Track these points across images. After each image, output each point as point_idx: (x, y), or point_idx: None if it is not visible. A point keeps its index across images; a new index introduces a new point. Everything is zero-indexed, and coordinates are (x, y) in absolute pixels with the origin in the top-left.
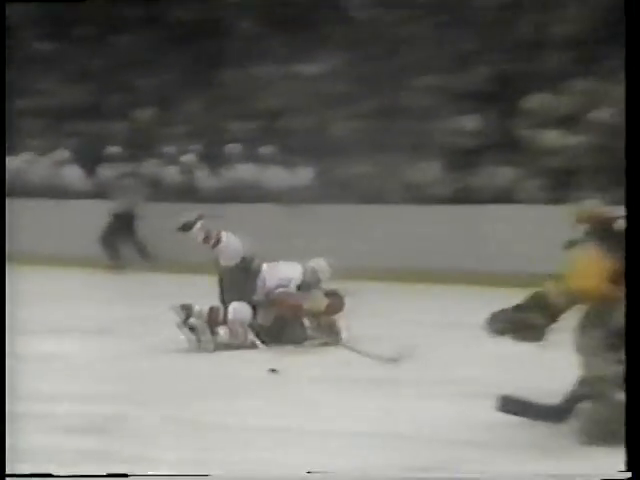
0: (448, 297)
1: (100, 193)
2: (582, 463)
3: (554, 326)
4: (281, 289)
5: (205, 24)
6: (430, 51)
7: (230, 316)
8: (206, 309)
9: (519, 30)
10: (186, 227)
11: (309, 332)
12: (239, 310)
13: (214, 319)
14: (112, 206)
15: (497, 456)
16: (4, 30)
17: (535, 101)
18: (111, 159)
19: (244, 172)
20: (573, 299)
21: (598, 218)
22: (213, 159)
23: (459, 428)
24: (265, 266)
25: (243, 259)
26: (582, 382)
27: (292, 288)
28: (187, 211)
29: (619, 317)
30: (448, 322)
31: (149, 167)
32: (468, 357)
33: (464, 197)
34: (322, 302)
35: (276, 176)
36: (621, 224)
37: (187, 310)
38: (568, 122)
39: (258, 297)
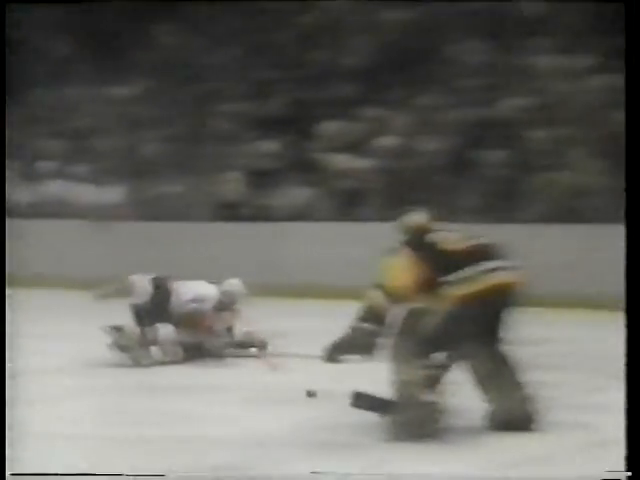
0: (265, 307)
1: None
2: (388, 460)
3: (384, 332)
4: (194, 305)
5: (15, 44)
6: (233, 79)
7: (159, 337)
8: (137, 330)
9: (314, 61)
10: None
11: (228, 346)
12: (166, 331)
13: (145, 339)
14: None
15: (304, 456)
16: (4, 30)
17: (328, 127)
18: None
19: (55, 189)
20: (392, 301)
21: (415, 229)
22: (25, 176)
23: (279, 430)
24: (176, 285)
25: (154, 283)
26: (394, 386)
27: (206, 306)
28: None
29: (427, 325)
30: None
31: None
32: (297, 364)
33: (265, 215)
34: (232, 318)
35: (87, 193)
36: (433, 237)
37: (118, 331)
38: (357, 147)
39: (175, 316)
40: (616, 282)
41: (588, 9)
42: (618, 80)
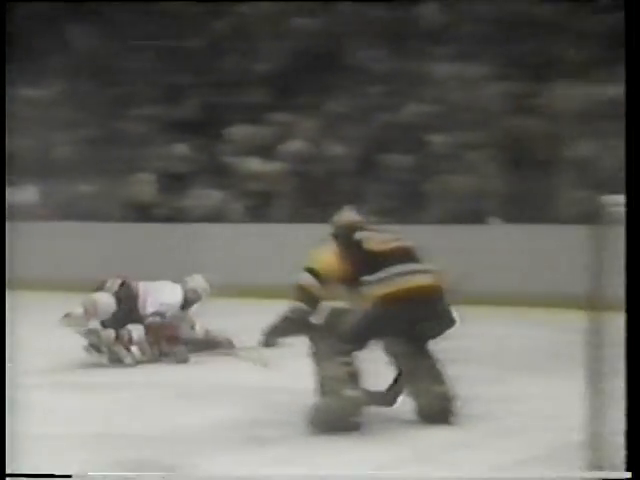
0: None
1: None
2: (311, 453)
3: (317, 312)
4: (155, 319)
5: None
6: (146, 82)
7: (134, 338)
8: (112, 333)
9: (225, 66)
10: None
11: (192, 347)
12: (139, 332)
13: (123, 340)
14: None
15: (218, 453)
16: (4, 30)
17: (239, 131)
18: None
19: None
20: (322, 283)
21: (345, 226)
22: None
23: (185, 427)
24: (143, 287)
25: (118, 295)
26: (317, 382)
27: (168, 317)
28: None
29: (347, 323)
30: None
31: None
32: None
33: (178, 216)
34: (193, 323)
35: None
36: (360, 236)
37: (93, 333)
38: (267, 150)
39: (143, 319)
40: (527, 280)
41: (486, 18)
42: (513, 87)
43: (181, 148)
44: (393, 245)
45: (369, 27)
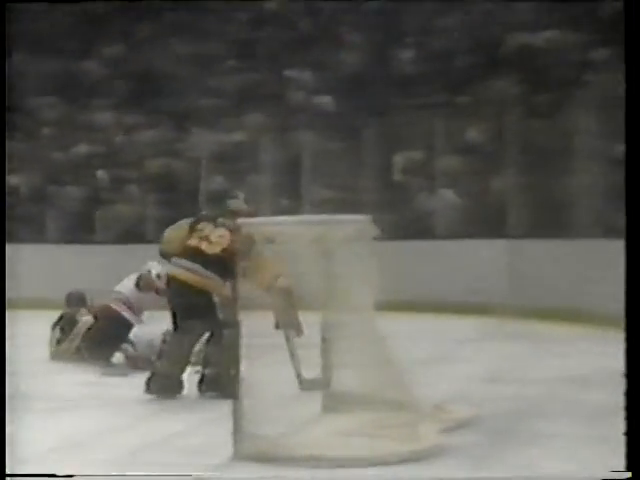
0: None
1: None
2: None
3: None
4: (143, 274)
5: None
6: None
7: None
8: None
9: None
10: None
11: None
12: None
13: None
14: None
15: None
16: (4, 30)
17: None
18: None
19: None
20: (163, 257)
21: (229, 211)
22: None
23: None
24: (115, 295)
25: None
26: None
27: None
28: None
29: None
30: None
31: None
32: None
33: None
34: None
35: None
36: (201, 227)
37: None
38: None
39: (145, 304)
40: None
41: (135, 74)
42: (160, 134)
43: None
44: (203, 246)
45: (45, 77)
